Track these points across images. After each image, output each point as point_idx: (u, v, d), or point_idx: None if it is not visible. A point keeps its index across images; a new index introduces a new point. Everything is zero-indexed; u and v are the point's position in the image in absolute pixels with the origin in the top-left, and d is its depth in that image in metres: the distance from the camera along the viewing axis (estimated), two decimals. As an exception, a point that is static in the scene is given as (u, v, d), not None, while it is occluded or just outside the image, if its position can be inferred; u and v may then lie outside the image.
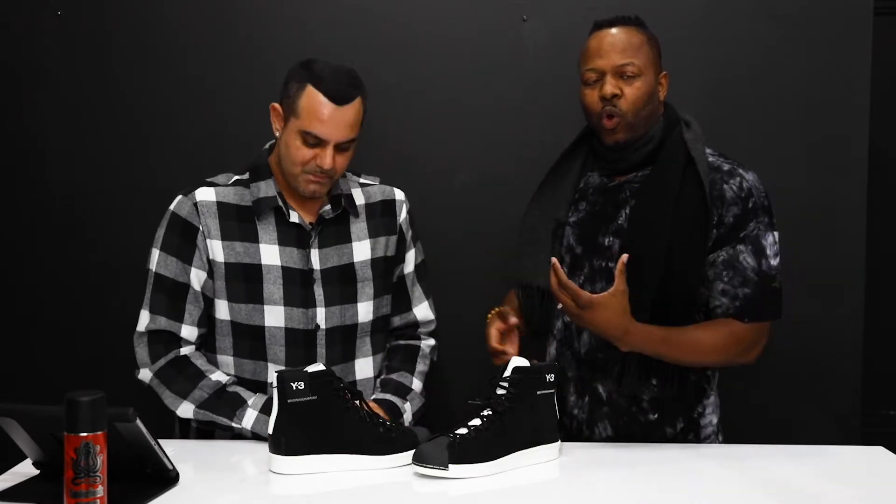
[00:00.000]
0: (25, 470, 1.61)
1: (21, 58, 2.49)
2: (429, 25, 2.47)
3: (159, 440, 1.51)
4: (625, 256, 1.73)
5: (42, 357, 2.52)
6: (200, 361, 1.91)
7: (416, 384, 2.02)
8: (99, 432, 1.29)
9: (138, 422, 1.43)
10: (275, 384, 1.61)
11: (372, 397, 1.96)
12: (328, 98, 1.81)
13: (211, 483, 1.59)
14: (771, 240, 1.86)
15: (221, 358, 1.95)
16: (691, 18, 2.45)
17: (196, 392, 1.86)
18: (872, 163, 2.47)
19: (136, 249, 2.48)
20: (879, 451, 1.81)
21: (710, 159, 1.89)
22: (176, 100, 2.49)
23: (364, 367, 2.01)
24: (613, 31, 1.88)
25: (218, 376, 1.89)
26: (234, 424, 1.84)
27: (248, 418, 1.83)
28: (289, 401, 1.61)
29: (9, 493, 1.51)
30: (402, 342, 2.10)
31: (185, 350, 1.91)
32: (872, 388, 2.69)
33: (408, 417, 1.96)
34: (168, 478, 1.54)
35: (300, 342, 1.92)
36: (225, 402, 1.85)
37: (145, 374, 1.91)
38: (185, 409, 1.87)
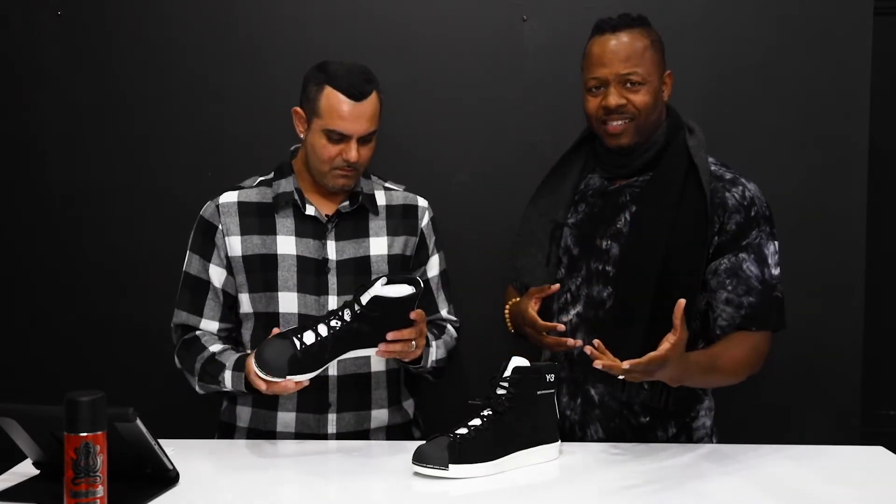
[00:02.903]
0: (25, 470, 1.61)
1: (21, 58, 2.49)
2: (428, 25, 2.47)
3: (159, 440, 1.51)
4: (682, 302, 1.63)
5: (42, 357, 2.52)
6: (206, 338, 1.98)
7: (441, 343, 2.02)
8: (99, 432, 1.30)
9: (138, 422, 1.43)
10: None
11: None
12: (346, 96, 1.89)
13: (211, 483, 1.60)
14: (772, 249, 1.86)
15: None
16: (692, 18, 2.45)
17: (196, 366, 1.94)
18: (872, 163, 2.47)
19: (135, 249, 2.50)
20: (879, 451, 1.81)
21: (713, 168, 1.88)
22: (176, 100, 2.49)
23: (377, 360, 2.01)
24: (616, 36, 1.84)
25: (214, 347, 1.95)
26: (225, 390, 1.91)
27: (228, 381, 1.88)
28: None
29: (9, 493, 1.51)
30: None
31: (197, 333, 2.00)
32: (872, 388, 2.69)
33: (432, 354, 1.96)
34: (168, 478, 1.54)
35: None
36: (209, 372, 1.91)
37: (177, 362, 2.02)
38: (197, 387, 1.97)
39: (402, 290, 1.74)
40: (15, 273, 2.53)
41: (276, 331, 1.77)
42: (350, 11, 2.46)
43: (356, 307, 1.71)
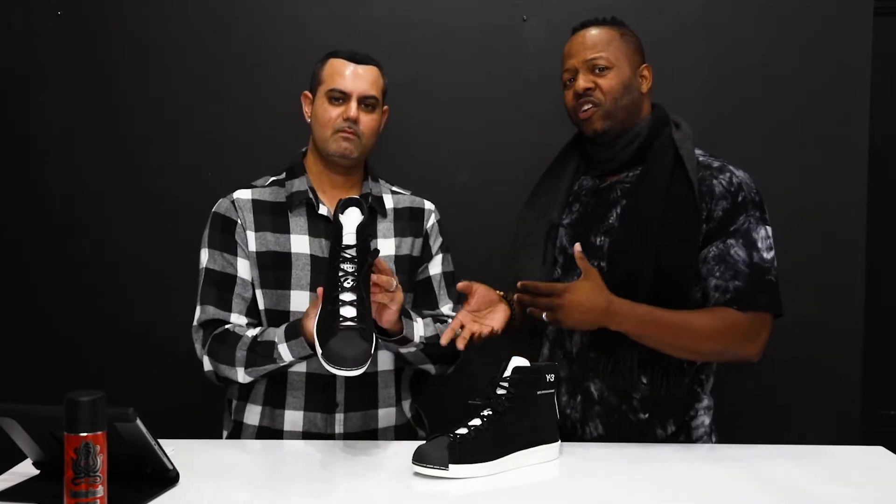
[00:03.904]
0: (25, 470, 1.61)
1: (21, 58, 2.49)
2: (428, 25, 2.48)
3: (159, 440, 1.51)
4: (578, 245, 1.81)
5: (42, 357, 2.52)
6: (239, 328, 1.95)
7: (435, 326, 2.01)
8: (99, 432, 1.29)
9: (138, 422, 1.43)
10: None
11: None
12: (346, 59, 2.00)
13: (211, 483, 1.60)
14: (763, 233, 1.85)
15: None
16: (691, 18, 2.45)
17: (238, 354, 1.90)
18: (872, 163, 2.47)
19: (135, 249, 2.50)
20: (879, 451, 1.81)
21: (701, 158, 1.90)
22: (176, 99, 2.49)
23: (385, 360, 2.03)
24: (584, 32, 1.95)
25: (251, 332, 1.93)
26: (281, 365, 1.88)
27: (285, 353, 1.86)
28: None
29: (9, 493, 1.51)
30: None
31: (227, 327, 1.96)
32: (872, 388, 2.69)
33: (419, 329, 1.95)
34: (168, 478, 1.54)
35: None
36: (260, 353, 1.89)
37: (205, 363, 1.96)
38: (241, 376, 1.92)
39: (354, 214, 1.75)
40: (15, 273, 2.53)
41: (311, 316, 1.74)
42: (350, 11, 2.47)
43: (346, 253, 1.70)
